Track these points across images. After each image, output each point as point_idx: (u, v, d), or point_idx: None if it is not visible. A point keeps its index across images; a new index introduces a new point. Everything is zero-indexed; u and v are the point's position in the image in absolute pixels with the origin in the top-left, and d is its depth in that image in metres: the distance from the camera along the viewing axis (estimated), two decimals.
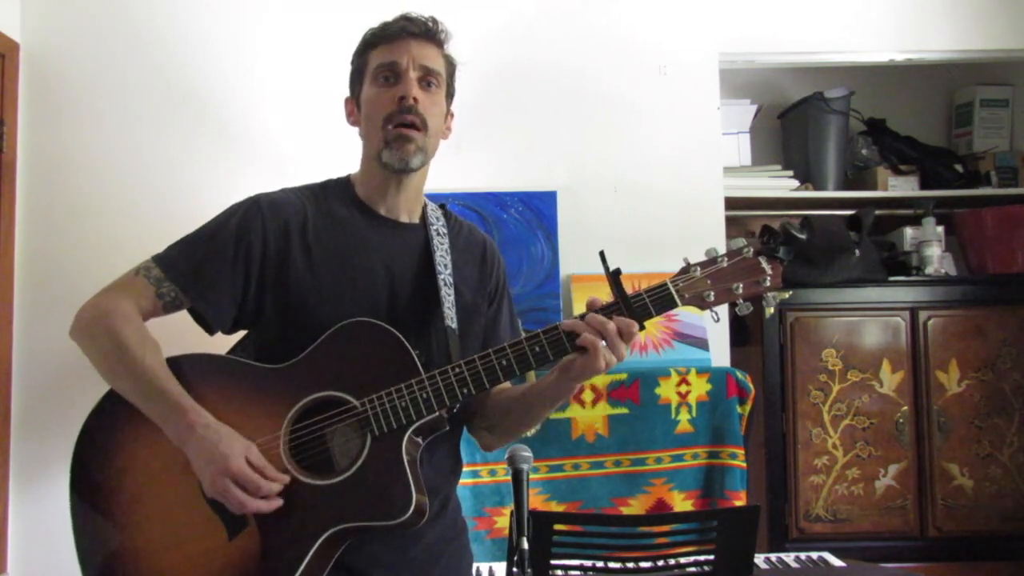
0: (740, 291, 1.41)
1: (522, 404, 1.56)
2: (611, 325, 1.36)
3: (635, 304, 1.39)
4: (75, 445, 1.48)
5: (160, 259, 1.50)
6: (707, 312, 1.43)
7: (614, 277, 1.39)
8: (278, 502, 1.38)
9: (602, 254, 1.40)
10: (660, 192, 2.62)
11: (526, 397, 1.55)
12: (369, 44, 1.56)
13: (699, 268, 1.42)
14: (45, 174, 2.46)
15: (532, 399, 1.53)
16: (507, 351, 1.41)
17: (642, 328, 1.39)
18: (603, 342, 1.36)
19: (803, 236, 1.46)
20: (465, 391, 1.41)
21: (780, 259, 1.43)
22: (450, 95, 1.60)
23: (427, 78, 1.52)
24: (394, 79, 1.51)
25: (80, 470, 1.48)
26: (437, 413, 1.41)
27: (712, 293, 1.41)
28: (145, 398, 1.42)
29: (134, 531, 1.43)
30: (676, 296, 1.40)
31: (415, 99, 1.49)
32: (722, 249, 1.44)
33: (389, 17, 1.56)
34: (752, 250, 1.42)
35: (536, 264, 2.56)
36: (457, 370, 1.41)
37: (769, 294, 1.42)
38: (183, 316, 1.51)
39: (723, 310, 1.46)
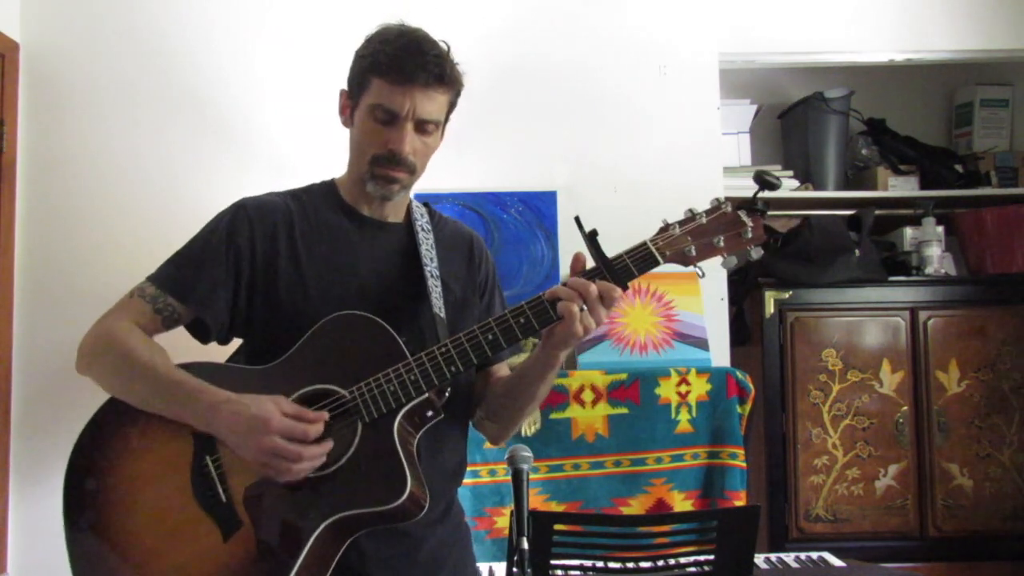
0: (722, 244, 1.38)
1: (516, 382, 1.55)
2: (592, 288, 1.34)
3: (616, 266, 1.38)
4: (66, 473, 1.46)
5: (154, 278, 1.50)
6: (692, 268, 1.40)
7: (591, 240, 1.37)
8: (328, 444, 1.36)
9: (577, 219, 1.38)
10: (660, 192, 2.61)
11: (519, 373, 1.54)
12: (374, 68, 1.47)
13: (678, 226, 1.40)
14: (45, 174, 2.46)
15: (524, 374, 1.52)
16: (492, 325, 1.40)
17: (625, 289, 1.37)
18: (583, 306, 1.34)
19: (778, 182, 1.42)
20: (453, 368, 1.40)
21: (760, 211, 1.40)
22: (451, 111, 1.55)
23: (424, 126, 1.48)
24: (390, 122, 1.47)
25: (72, 494, 1.46)
26: (427, 394, 1.40)
27: (693, 248, 1.38)
28: (162, 397, 1.41)
29: (127, 539, 1.42)
30: (656, 254, 1.38)
31: (405, 152, 1.47)
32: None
33: (404, 21, 1.50)
34: (731, 205, 1.40)
35: (536, 264, 2.56)
36: (443, 348, 1.40)
37: (752, 247, 1.40)
38: (175, 331, 1.50)
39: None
